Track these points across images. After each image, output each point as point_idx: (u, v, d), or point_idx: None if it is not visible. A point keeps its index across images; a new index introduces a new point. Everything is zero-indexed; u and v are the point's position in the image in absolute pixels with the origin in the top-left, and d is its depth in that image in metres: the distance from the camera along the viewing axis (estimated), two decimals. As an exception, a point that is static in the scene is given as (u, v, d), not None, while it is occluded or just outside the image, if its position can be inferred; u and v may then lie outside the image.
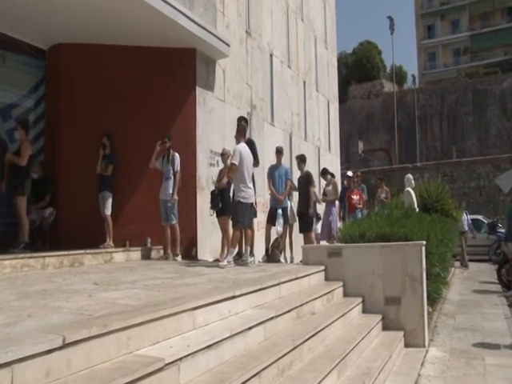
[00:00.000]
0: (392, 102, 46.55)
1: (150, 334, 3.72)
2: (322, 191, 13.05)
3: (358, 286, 7.46)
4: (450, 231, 12.09)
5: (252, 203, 8.45)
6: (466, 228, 18.28)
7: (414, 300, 7.26)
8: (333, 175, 13.00)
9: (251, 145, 8.65)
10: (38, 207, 9.75)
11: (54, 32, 10.06)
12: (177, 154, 9.70)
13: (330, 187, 12.27)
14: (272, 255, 9.98)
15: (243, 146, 8.34)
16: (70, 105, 10.60)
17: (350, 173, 14.68)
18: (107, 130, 10.24)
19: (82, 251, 8.55)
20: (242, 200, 8.15)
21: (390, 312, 7.33)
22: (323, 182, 13.48)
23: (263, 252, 10.38)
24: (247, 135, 9.02)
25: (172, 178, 9.59)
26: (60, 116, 10.62)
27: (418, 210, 11.98)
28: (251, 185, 8.38)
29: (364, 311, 7.36)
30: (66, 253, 8.25)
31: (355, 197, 13.42)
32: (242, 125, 8.62)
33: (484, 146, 43.93)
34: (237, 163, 8.08)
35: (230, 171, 8.28)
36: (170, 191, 9.53)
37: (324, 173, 12.97)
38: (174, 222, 9.60)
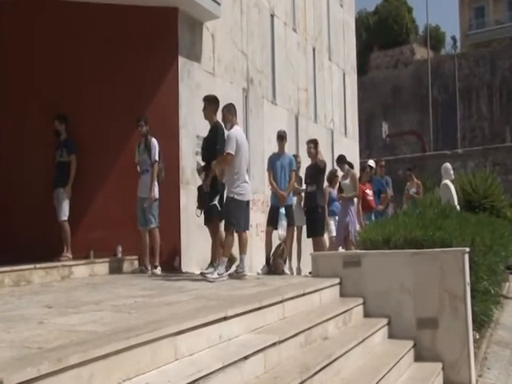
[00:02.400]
0: (426, 71, 46.47)
1: (120, 369, 3.70)
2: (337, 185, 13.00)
3: (383, 303, 7.44)
4: (502, 236, 12.05)
5: (248, 201, 8.47)
6: None
7: (455, 323, 7.24)
8: (351, 165, 12.98)
9: (216, 130, 8.72)
10: None
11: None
12: (154, 140, 9.70)
13: (347, 181, 12.24)
14: (274, 265, 9.98)
15: (239, 131, 8.38)
16: (12, 76, 10.56)
17: (371, 162, 14.65)
18: (60, 111, 10.20)
19: (31, 266, 8.47)
20: (236, 197, 8.17)
21: (423, 338, 7.32)
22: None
23: (263, 262, 10.38)
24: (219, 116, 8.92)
25: (150, 170, 9.64)
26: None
27: (458, 207, 11.99)
28: (247, 178, 8.39)
29: (390, 336, 7.36)
30: (7, 269, 8.13)
31: (369, 192, 13.37)
32: (230, 105, 8.68)
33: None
34: (233, 152, 8.14)
35: (224, 162, 8.27)
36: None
37: (340, 161, 12.87)
38: (154, 225, 9.62)
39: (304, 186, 11.41)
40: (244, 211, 8.41)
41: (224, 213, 8.45)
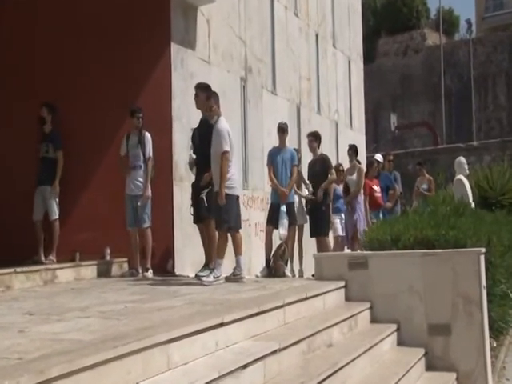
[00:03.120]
0: (438, 58, 46.32)
1: (108, 380, 3.70)
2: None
3: (391, 308, 7.46)
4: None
5: (238, 196, 8.51)
6: None
7: (469, 329, 7.24)
8: (358, 161, 12.96)
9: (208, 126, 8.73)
10: None
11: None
12: (148, 134, 9.71)
13: (354, 176, 12.24)
14: (275, 267, 10.00)
15: (226, 123, 8.41)
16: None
17: (379, 156, 14.63)
18: (48, 99, 10.23)
19: (11, 270, 8.44)
20: (227, 191, 8.21)
21: (435, 345, 7.33)
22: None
23: (263, 263, 10.38)
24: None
25: (143, 166, 9.63)
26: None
27: (473, 205, 11.98)
28: (236, 171, 8.48)
29: (399, 343, 7.37)
30: (-16, 274, 8.16)
31: (377, 188, 13.34)
32: (216, 94, 8.70)
33: None
34: (229, 149, 8.18)
35: (224, 161, 8.24)
36: (141, 184, 9.57)
37: (352, 149, 12.81)
38: (147, 225, 9.61)
39: (305, 190, 11.37)
40: (236, 206, 8.45)
41: (215, 210, 8.42)
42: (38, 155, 10.19)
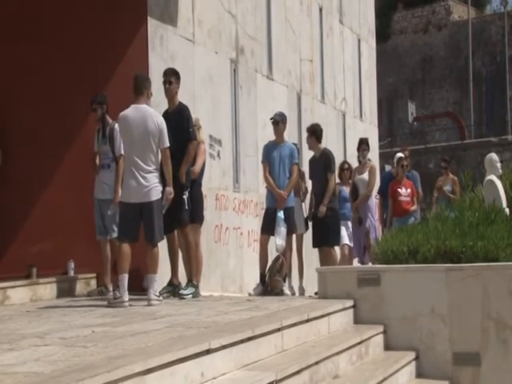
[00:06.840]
0: (465, 36, 46.40)
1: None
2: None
3: (409, 333, 7.47)
4: None
5: None
6: None
7: (504, 360, 7.26)
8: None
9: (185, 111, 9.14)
10: None
11: None
12: (117, 126, 9.67)
13: (364, 175, 12.25)
14: (271, 284, 10.01)
15: None
16: None
17: (400, 154, 14.63)
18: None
19: None
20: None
21: (462, 378, 7.34)
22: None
23: (257, 280, 10.38)
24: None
25: (112, 165, 9.56)
26: None
27: (507, 210, 12.00)
28: None
29: (419, 375, 7.39)
30: None
31: (404, 191, 13.32)
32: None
33: None
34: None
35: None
36: (107, 187, 9.48)
37: (364, 144, 12.78)
38: (116, 234, 9.56)
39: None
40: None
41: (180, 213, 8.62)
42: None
